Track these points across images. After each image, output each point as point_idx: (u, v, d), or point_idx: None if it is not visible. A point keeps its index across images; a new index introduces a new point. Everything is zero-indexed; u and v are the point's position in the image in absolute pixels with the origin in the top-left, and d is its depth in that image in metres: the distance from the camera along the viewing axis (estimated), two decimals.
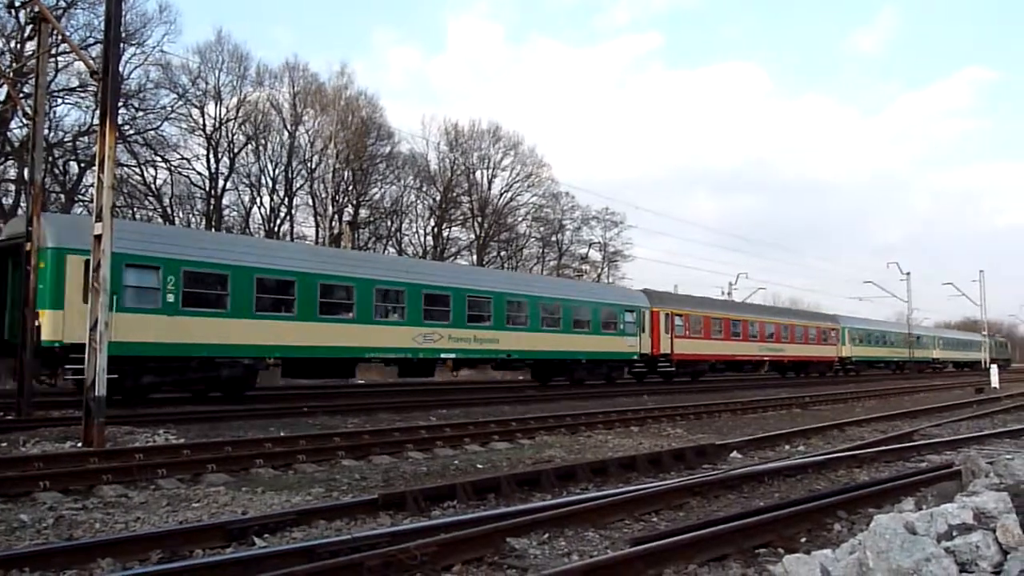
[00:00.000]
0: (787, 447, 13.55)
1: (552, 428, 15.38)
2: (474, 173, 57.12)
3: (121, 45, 31.36)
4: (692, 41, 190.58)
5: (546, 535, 6.64)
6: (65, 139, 37.38)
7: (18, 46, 32.87)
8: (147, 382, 18.36)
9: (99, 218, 12.57)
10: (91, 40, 33.37)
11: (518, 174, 58.03)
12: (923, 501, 5.46)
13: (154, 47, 39.99)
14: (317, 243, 47.79)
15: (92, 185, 29.11)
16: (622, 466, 10.38)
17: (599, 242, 62.79)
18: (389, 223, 53.55)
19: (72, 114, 43.23)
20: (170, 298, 18.41)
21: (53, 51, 28.29)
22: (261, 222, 47.87)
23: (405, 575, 5.52)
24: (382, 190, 53.03)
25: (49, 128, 33.90)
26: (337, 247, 39.21)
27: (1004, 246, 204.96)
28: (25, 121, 28.87)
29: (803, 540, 6.65)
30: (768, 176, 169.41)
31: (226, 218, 46.45)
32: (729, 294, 62.02)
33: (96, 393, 12.01)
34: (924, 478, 8.95)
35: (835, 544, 4.98)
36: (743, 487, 9.22)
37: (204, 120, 44.61)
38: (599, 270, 62.62)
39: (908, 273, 69.06)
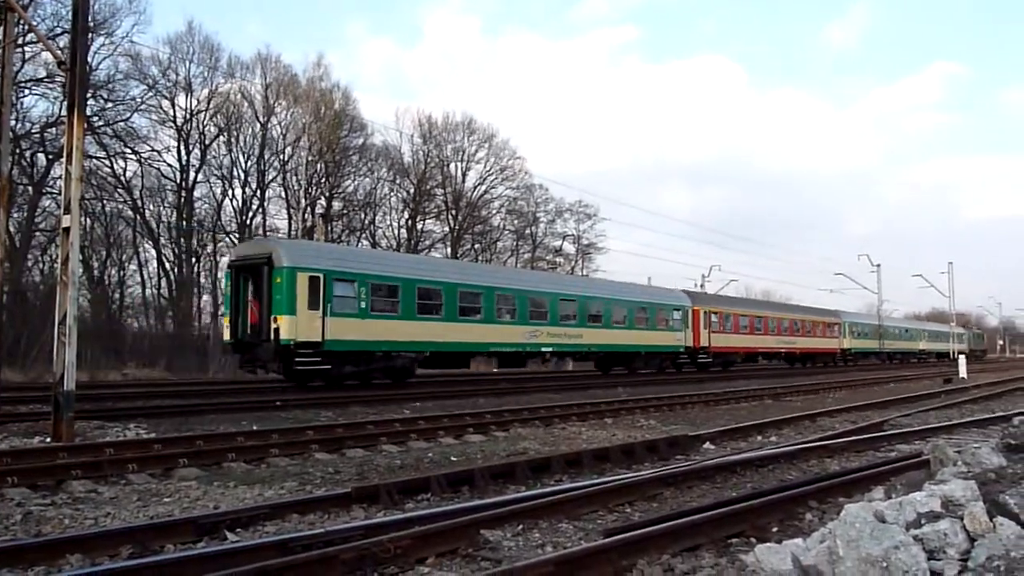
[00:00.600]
0: (759, 438, 13.67)
1: (527, 420, 15.41)
2: (448, 166, 56.93)
3: (89, 35, 30.99)
4: (668, 35, 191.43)
5: (520, 527, 6.65)
6: (32, 130, 36.78)
7: None
8: (347, 371, 22.56)
9: (67, 210, 12.38)
10: (59, 30, 32.64)
11: (492, 167, 57.89)
12: (892, 490, 5.51)
13: (123, 37, 39.44)
14: (289, 235, 47.49)
15: (60, 177, 28.66)
16: (596, 458, 10.42)
17: (573, 234, 62.90)
18: (362, 216, 53.23)
19: (40, 105, 42.45)
20: (362, 305, 22.72)
21: (20, 41, 27.81)
22: (233, 215, 47.43)
23: (379, 568, 5.50)
24: (355, 182, 52.68)
25: (16, 119, 33.34)
26: (310, 240, 39.10)
27: (973, 239, 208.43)
28: None
29: (775, 530, 6.71)
30: (741, 169, 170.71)
31: (197, 211, 45.99)
32: (702, 286, 62.37)
33: (65, 387, 11.85)
34: (893, 467, 9.06)
35: (806, 533, 5.03)
36: (716, 478, 9.29)
37: (175, 111, 44.00)
38: (572, 263, 62.75)
39: (878, 265, 69.76)
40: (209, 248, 46.25)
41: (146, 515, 7.35)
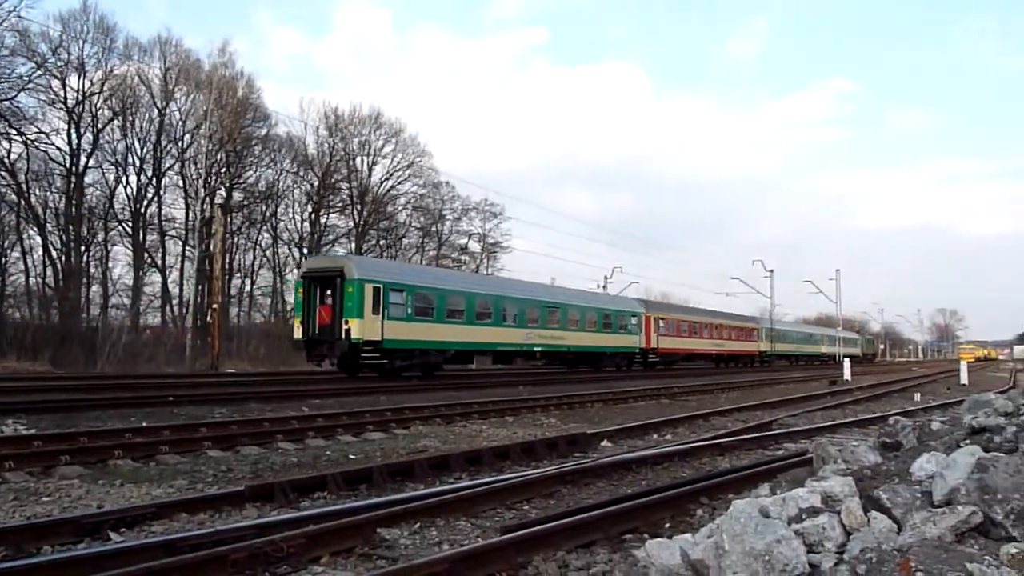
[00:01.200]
0: (655, 436, 13.99)
1: (428, 418, 15.34)
2: (354, 160, 56.11)
3: None
4: (576, 39, 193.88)
5: (418, 525, 6.62)
6: None
7: None
8: (398, 365, 27.03)
9: None
10: None
11: (399, 162, 57.36)
12: (778, 486, 5.74)
13: (10, 11, 37.39)
14: (187, 226, 46.00)
15: None
16: (496, 455, 10.47)
17: (478, 233, 63.00)
18: (264, 208, 51.94)
19: None
20: (408, 311, 27.32)
21: None
22: (127, 202, 45.58)
23: (271, 568, 5.39)
24: (257, 173, 51.40)
25: None
26: (209, 230, 38.12)
27: (859, 248, 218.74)
28: None
29: (667, 525, 6.88)
30: (645, 173, 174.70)
31: (88, 197, 43.95)
32: (604, 287, 63.43)
33: None
34: (780, 465, 9.41)
35: (696, 529, 5.17)
36: (612, 475, 9.46)
37: (65, 92, 41.99)
38: (478, 261, 62.83)
39: (772, 271, 72.43)
40: (100, 236, 44.27)
41: (23, 515, 7.01)
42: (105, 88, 43.35)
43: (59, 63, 41.51)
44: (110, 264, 44.89)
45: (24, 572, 4.97)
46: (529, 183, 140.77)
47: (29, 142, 40.38)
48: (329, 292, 26.14)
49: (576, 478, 8.96)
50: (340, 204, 55.84)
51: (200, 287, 44.55)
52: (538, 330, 34.60)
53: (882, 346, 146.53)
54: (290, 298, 53.50)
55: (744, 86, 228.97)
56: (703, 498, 7.81)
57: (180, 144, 46.99)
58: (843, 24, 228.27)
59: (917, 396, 26.20)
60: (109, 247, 44.38)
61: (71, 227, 42.65)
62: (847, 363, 41.86)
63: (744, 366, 58.24)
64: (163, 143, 46.22)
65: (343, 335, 24.91)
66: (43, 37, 40.51)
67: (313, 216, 54.43)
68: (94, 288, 44.73)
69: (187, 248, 45.87)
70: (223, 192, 48.58)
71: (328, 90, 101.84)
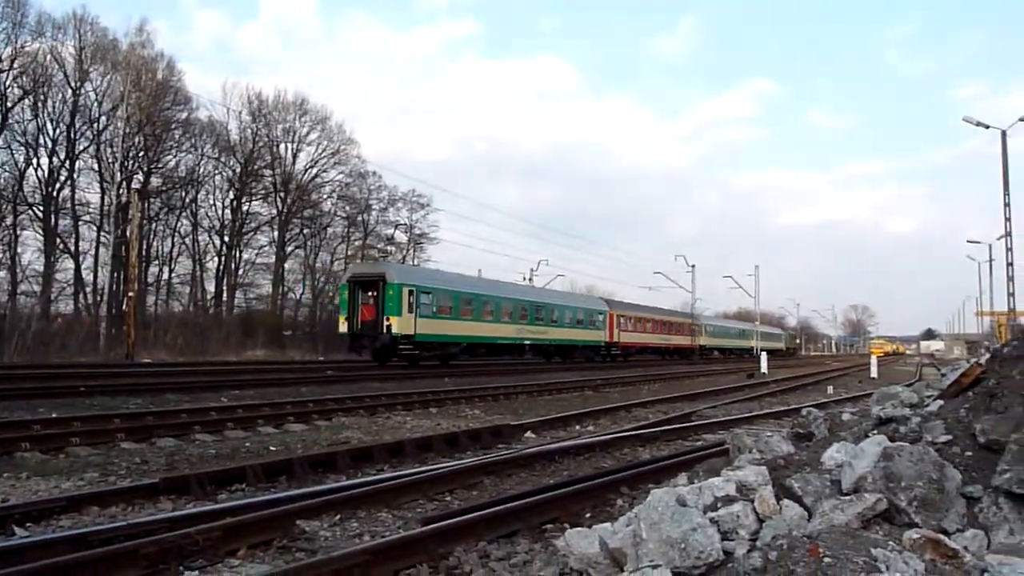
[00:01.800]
0: (578, 427, 14.15)
1: (351, 409, 15.19)
2: (278, 146, 54.89)
3: None
4: (506, 32, 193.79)
5: (338, 517, 6.56)
6: None
7: None
8: (425, 355, 32.25)
9: None
10: None
11: (324, 150, 56.33)
12: (695, 476, 5.85)
13: None
14: (102, 211, 44.41)
15: None
16: (419, 447, 10.44)
17: (406, 224, 62.46)
18: (183, 194, 50.45)
19: None
20: (434, 310, 32.23)
21: None
22: (37, 185, 43.73)
23: (185, 562, 5.26)
24: (177, 158, 49.80)
25: None
26: (126, 216, 36.93)
27: (778, 245, 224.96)
28: None
29: (588, 515, 6.96)
30: (571, 168, 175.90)
31: None
32: (531, 280, 63.66)
33: None
34: (698, 455, 9.60)
35: (616, 518, 5.24)
36: (535, 466, 9.53)
37: None
38: (404, 252, 62.33)
39: (693, 266, 73.72)
40: (8, 220, 42.35)
41: None
42: (15, 65, 41.48)
43: None
44: (19, 249, 43.02)
45: None
46: (457, 175, 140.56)
47: None
48: (371, 294, 30.47)
49: (499, 469, 9.00)
50: (263, 191, 54.67)
51: (116, 275, 43.11)
52: (528, 326, 39.90)
53: (798, 340, 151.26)
54: (211, 287, 52.70)
55: (670, 85, 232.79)
56: (623, 488, 7.92)
57: (96, 126, 45.23)
58: (764, 28, 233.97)
59: (830, 389, 27.12)
60: (18, 231, 42.54)
61: None
62: (764, 356, 43.03)
63: (683, 359, 61.94)
64: (77, 124, 44.43)
65: (385, 330, 29.44)
66: None
67: (235, 203, 53.16)
68: (1, 274, 42.81)
69: (102, 234, 44.28)
70: (140, 177, 46.96)
71: (253, 76, 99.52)
